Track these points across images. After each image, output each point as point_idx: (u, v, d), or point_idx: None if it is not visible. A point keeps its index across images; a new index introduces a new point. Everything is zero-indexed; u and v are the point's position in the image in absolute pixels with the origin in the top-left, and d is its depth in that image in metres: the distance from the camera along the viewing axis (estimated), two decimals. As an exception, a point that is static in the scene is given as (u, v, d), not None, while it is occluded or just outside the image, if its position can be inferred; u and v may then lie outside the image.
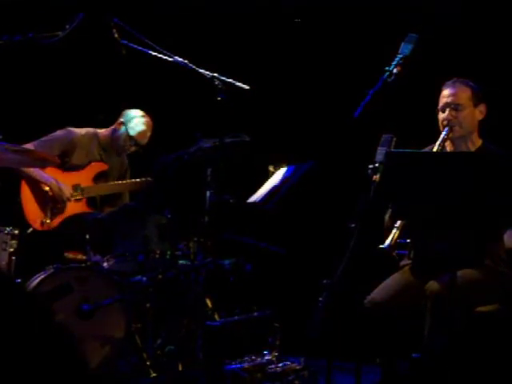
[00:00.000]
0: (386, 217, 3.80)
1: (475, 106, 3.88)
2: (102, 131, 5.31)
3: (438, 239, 3.77)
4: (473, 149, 3.90)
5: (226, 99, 4.17)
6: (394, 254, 3.85)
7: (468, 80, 3.91)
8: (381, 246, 3.53)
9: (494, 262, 3.79)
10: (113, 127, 5.28)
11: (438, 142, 3.77)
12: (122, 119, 5.25)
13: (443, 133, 3.82)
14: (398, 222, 3.59)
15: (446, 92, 3.89)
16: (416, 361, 3.70)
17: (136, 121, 5.23)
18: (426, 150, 3.89)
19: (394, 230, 3.56)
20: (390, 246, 3.53)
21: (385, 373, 3.76)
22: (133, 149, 5.27)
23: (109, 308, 4.35)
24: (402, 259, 4.00)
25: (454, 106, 3.84)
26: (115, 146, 5.26)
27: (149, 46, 4.30)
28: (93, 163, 5.20)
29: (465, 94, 3.86)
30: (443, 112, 3.87)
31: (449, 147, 3.93)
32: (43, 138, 5.06)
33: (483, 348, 3.65)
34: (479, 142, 3.92)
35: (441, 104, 3.89)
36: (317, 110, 5.74)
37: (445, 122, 3.84)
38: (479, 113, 3.90)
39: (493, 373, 3.66)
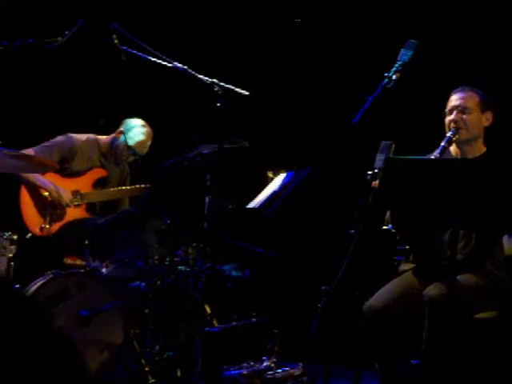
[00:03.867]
0: (387, 214, 3.78)
1: (482, 112, 3.90)
2: (102, 138, 5.29)
3: (437, 244, 3.78)
4: (477, 154, 3.91)
5: (225, 105, 4.17)
6: (398, 236, 3.85)
7: (475, 88, 3.95)
8: (385, 227, 3.54)
9: (492, 268, 3.79)
10: (113, 135, 5.25)
11: (442, 143, 3.79)
12: (121, 128, 5.23)
13: (449, 133, 3.83)
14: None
15: (454, 96, 3.94)
16: (415, 367, 3.69)
17: (136, 130, 5.21)
18: (432, 155, 3.89)
19: None
20: (393, 227, 3.53)
21: (383, 379, 3.75)
22: (131, 158, 5.26)
23: (107, 314, 4.34)
24: (400, 265, 4.00)
25: (461, 109, 3.87)
26: (114, 155, 5.25)
27: (148, 52, 4.30)
28: (93, 169, 5.19)
29: (472, 100, 3.90)
30: (450, 114, 3.89)
31: (453, 151, 3.94)
32: (44, 144, 5.04)
33: (482, 354, 3.64)
34: (483, 149, 3.94)
35: (448, 107, 3.92)
36: (316, 116, 5.74)
37: (452, 124, 3.86)
38: (485, 119, 3.92)
39: (492, 379, 3.65)
